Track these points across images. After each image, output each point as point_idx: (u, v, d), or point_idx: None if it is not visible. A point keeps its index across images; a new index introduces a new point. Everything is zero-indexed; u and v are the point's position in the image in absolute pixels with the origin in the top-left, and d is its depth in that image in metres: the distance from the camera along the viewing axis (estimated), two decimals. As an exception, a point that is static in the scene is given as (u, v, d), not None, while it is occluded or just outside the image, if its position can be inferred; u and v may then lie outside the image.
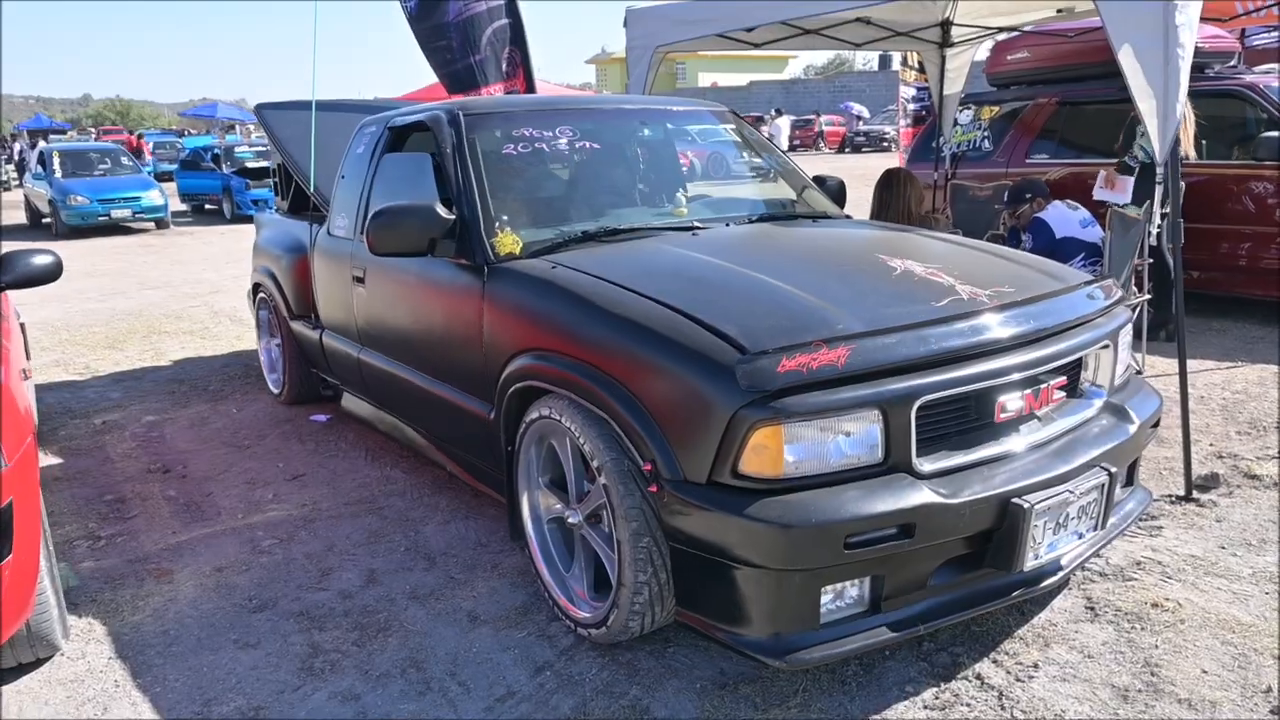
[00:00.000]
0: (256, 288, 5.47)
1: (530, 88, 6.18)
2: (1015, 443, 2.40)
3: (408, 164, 3.64)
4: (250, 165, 17.48)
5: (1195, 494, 3.52)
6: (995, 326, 2.38)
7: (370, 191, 3.89)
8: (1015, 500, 2.25)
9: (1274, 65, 7.93)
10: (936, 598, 2.32)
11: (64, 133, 42.95)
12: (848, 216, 3.76)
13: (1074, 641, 2.59)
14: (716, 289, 2.53)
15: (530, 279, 2.84)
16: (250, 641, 2.80)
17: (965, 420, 2.36)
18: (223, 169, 17.85)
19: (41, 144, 19.41)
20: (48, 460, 4.52)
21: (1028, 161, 7.25)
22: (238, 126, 28.02)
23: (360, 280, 3.88)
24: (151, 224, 15.99)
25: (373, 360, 3.90)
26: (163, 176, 23.47)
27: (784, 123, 30.98)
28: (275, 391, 5.43)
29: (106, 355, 6.95)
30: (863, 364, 2.17)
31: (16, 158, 28.51)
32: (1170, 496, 3.53)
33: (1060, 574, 2.48)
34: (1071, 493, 2.34)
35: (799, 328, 2.27)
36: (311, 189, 4.78)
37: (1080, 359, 2.62)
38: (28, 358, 3.38)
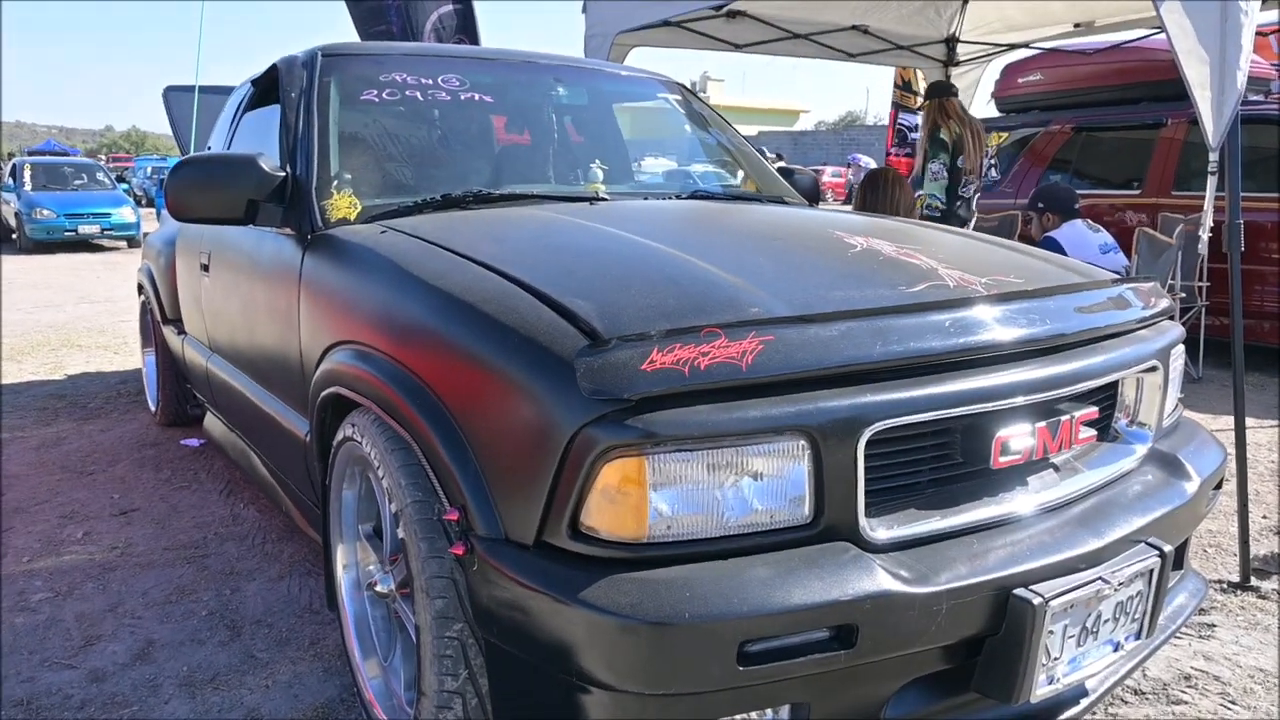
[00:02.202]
0: (140, 289, 4.71)
1: (480, 82, 5.48)
2: (1021, 502, 1.59)
3: (262, 121, 2.90)
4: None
5: (1254, 580, 2.69)
6: (993, 324, 1.58)
7: (226, 160, 3.13)
8: (1020, 592, 1.43)
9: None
10: (894, 739, 1.49)
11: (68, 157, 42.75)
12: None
13: (1103, 802, 1.75)
14: (585, 257, 1.76)
15: (350, 247, 2.06)
16: (-74, 744, 1.98)
17: (946, 464, 1.55)
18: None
19: (18, 156, 18.87)
20: None
21: (1039, 193, 6.50)
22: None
23: (206, 268, 3.12)
24: (123, 242, 15.34)
25: (218, 369, 3.12)
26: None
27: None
28: (153, 409, 4.64)
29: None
30: (784, 365, 1.37)
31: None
32: (1222, 583, 2.70)
33: (1086, 702, 1.66)
34: (1106, 582, 1.53)
35: (689, 308, 1.48)
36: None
37: (1115, 385, 1.82)
38: None
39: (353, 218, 2.23)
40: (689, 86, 3.41)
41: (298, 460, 2.35)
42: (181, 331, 3.83)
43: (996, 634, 1.45)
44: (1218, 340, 5.10)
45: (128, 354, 6.60)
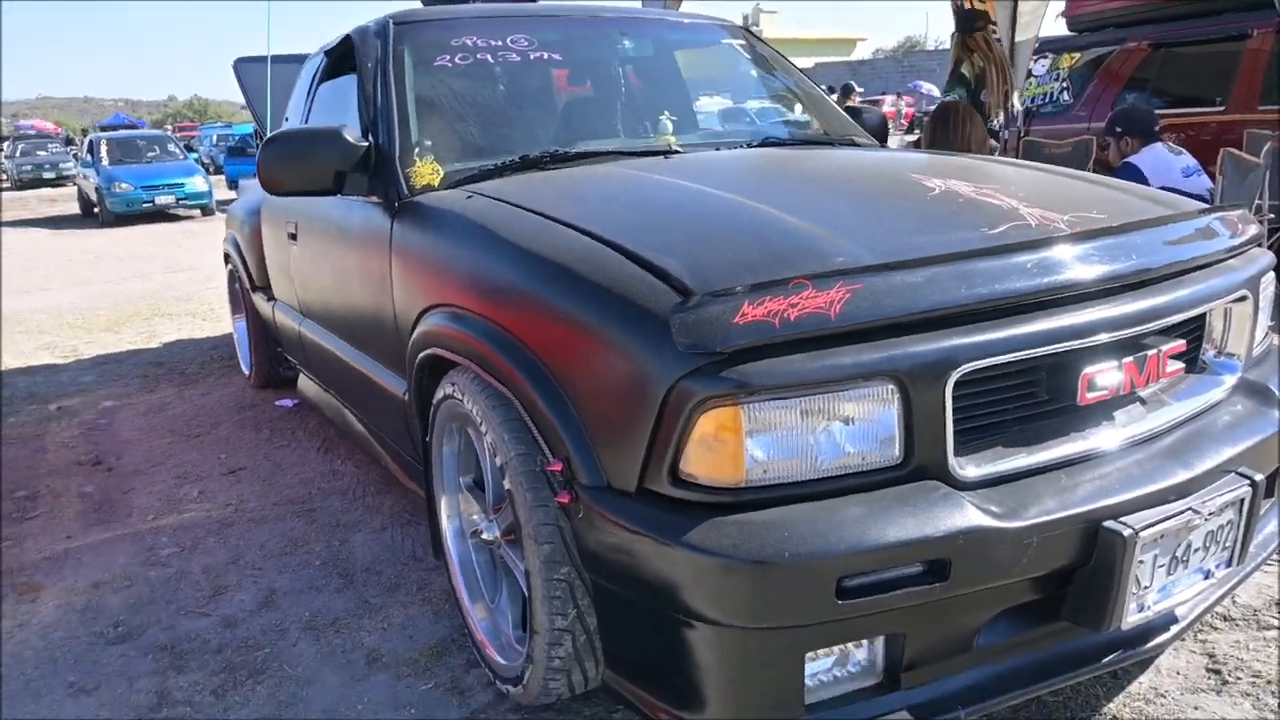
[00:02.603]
0: (226, 259, 4.90)
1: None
2: (1108, 437, 1.61)
3: (339, 91, 2.98)
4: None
5: (1349, 506, 2.64)
6: (1076, 263, 1.59)
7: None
8: (1110, 524, 1.47)
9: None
10: (986, 667, 1.55)
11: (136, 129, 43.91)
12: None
13: (1193, 724, 1.79)
14: (668, 213, 1.81)
15: (439, 214, 2.14)
16: (87, 686, 2.18)
17: (1031, 402, 1.58)
18: (269, 154, 17.61)
19: (92, 134, 19.47)
20: (-25, 449, 4.01)
21: (1115, 115, 6.28)
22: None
23: (294, 237, 3.25)
24: (197, 210, 15.80)
25: (310, 332, 3.27)
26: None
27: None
28: (246, 373, 4.87)
29: (100, 338, 6.51)
30: (871, 313, 1.42)
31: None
32: (1314, 509, 2.67)
33: (1175, 629, 1.70)
34: (1196, 512, 1.55)
35: (774, 260, 1.52)
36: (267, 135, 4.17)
37: (1203, 316, 1.81)
38: None
39: (436, 184, 2.31)
40: (744, 23, 3.39)
41: (396, 418, 2.48)
42: (271, 298, 4.00)
43: (1087, 565, 1.49)
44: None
45: (215, 320, 6.88)
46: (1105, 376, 1.58)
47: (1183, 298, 1.69)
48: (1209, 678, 1.93)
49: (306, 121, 3.26)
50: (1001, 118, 5.31)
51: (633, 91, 2.97)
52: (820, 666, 1.48)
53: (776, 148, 2.65)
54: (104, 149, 16.00)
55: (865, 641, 1.49)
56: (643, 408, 1.44)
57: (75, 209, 17.74)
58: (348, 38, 2.91)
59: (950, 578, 1.40)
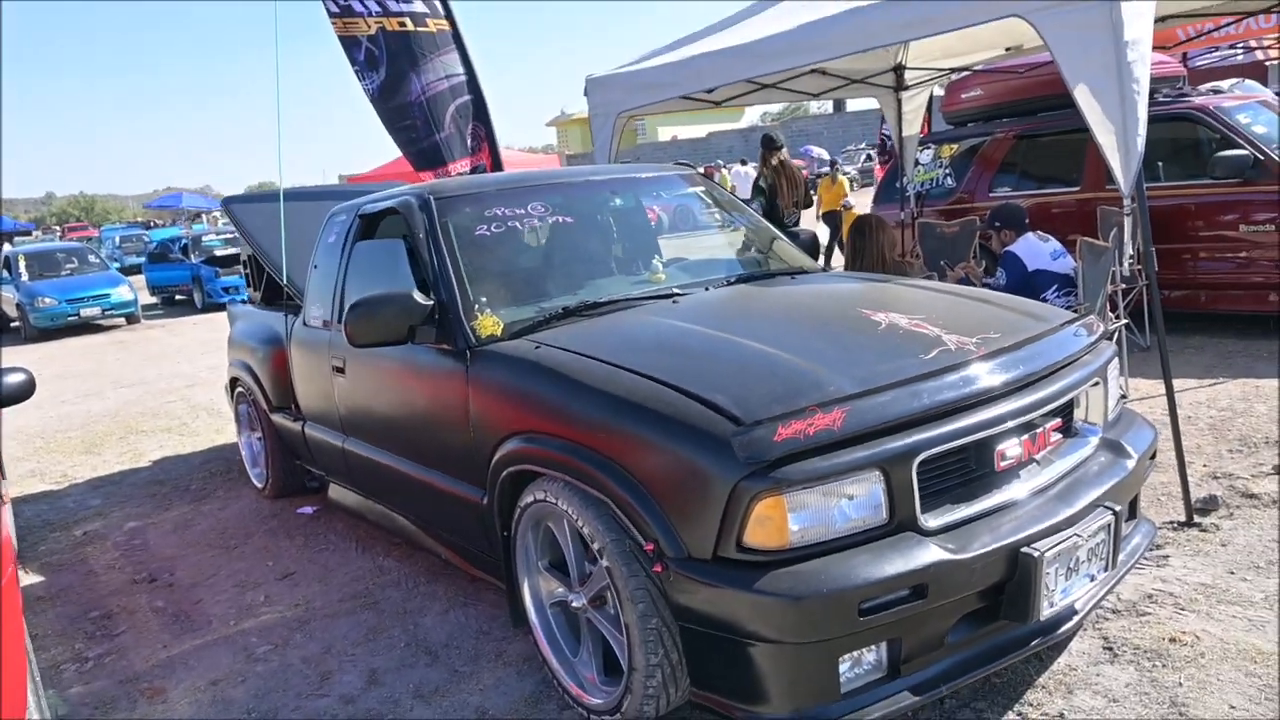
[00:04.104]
0: (234, 382, 5.40)
1: (495, 161, 6.22)
2: (1017, 489, 2.38)
3: (381, 251, 3.62)
4: (219, 254, 17.46)
5: (1196, 519, 3.50)
6: (986, 375, 2.38)
7: (345, 280, 3.87)
8: (1025, 549, 2.22)
9: (1218, 83, 8.16)
10: (955, 655, 2.27)
11: (28, 233, 42.84)
12: (825, 268, 3.77)
13: (1097, 686, 2.54)
14: (702, 358, 2.52)
15: (514, 361, 2.81)
16: (251, 759, 2.70)
17: (966, 472, 2.34)
18: (191, 259, 17.79)
19: (7, 247, 19.29)
20: (29, 579, 4.38)
21: (992, 195, 7.35)
22: (204, 215, 28.01)
23: (340, 370, 3.84)
24: (122, 319, 15.87)
25: (358, 450, 3.84)
26: (130, 270, 23.36)
27: (749, 170, 31.17)
28: (259, 486, 5.33)
29: (84, 461, 6.81)
30: (860, 425, 2.15)
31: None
32: (1172, 523, 3.51)
33: (1076, 619, 2.45)
34: (1079, 536, 2.32)
35: (791, 393, 2.25)
36: (284, 280, 4.75)
37: (1073, 398, 2.61)
38: (2, 476, 3.31)
39: (499, 334, 2.97)
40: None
41: (467, 518, 3.08)
42: (298, 418, 4.54)
43: (1013, 579, 2.23)
44: (1208, 314, 6.13)
45: (192, 435, 7.24)
46: (1012, 449, 2.35)
47: (1058, 389, 2.49)
48: (1105, 654, 2.69)
49: (344, 274, 3.87)
50: (796, 218, 7.69)
51: (623, 238, 3.71)
52: (846, 667, 2.16)
53: (748, 283, 3.42)
54: (22, 264, 15.98)
55: (875, 645, 2.18)
56: (713, 500, 2.13)
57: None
58: (390, 208, 3.57)
59: (928, 596, 2.11)
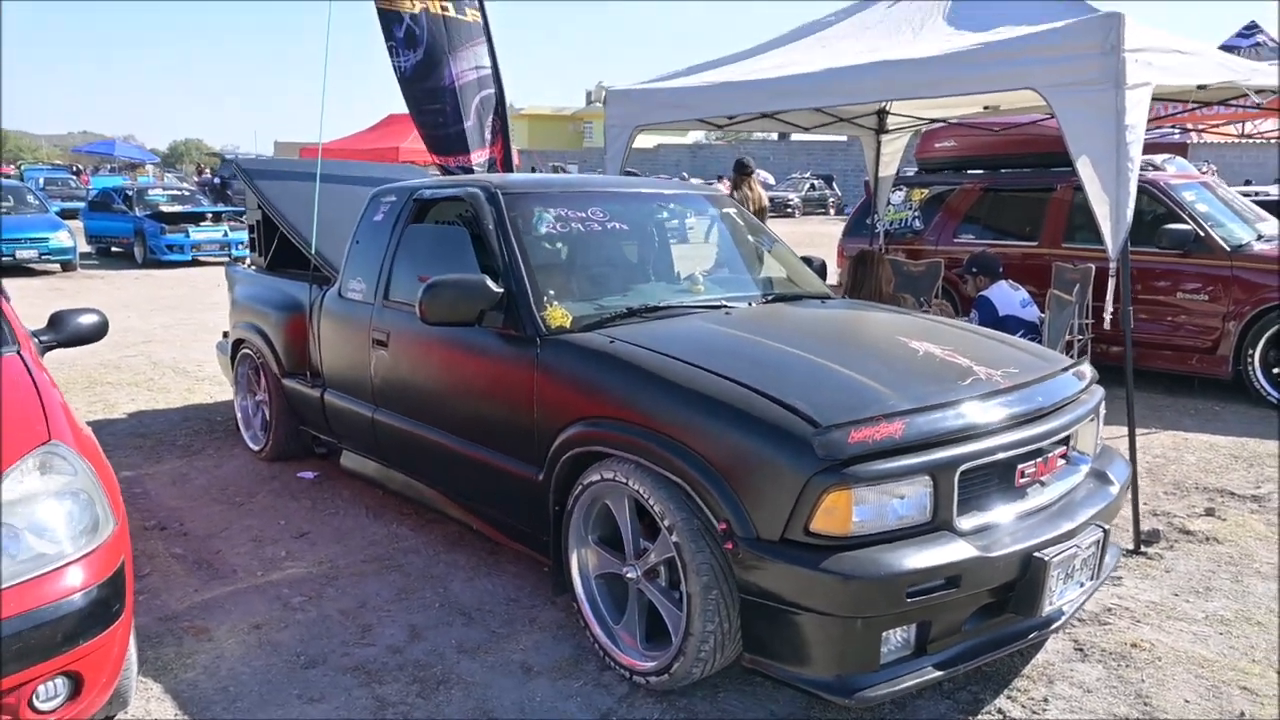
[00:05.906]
0: (239, 344, 5.50)
1: (506, 156, 6.45)
2: (1029, 504, 2.77)
3: (441, 236, 3.86)
4: (165, 209, 17.04)
5: (1143, 548, 3.99)
6: (1014, 404, 2.77)
7: (393, 260, 4.07)
8: (1037, 554, 2.61)
9: (1152, 157, 8.90)
10: (970, 640, 2.65)
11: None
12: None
13: (1072, 679, 2.95)
14: (773, 368, 2.85)
15: (589, 352, 3.09)
16: (314, 696, 2.90)
17: (991, 484, 2.72)
18: (135, 211, 17.31)
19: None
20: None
21: (955, 241, 7.92)
22: (150, 168, 27.06)
23: (382, 344, 4.04)
24: (58, 265, 15.37)
25: (390, 420, 4.04)
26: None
27: (722, 187, 31.82)
28: (254, 447, 5.43)
29: (51, 407, 6.74)
30: (916, 436, 2.52)
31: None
32: (1123, 550, 3.99)
33: (1064, 618, 2.86)
34: (1078, 547, 2.73)
35: (859, 404, 2.60)
36: (313, 254, 4.90)
37: (1074, 431, 3.03)
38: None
39: (569, 325, 3.25)
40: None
41: (515, 492, 3.34)
42: (316, 385, 4.70)
43: (1024, 578, 2.62)
44: (1115, 366, 6.62)
45: (163, 391, 7.23)
46: (1029, 469, 2.75)
47: (1066, 421, 2.90)
48: (1077, 654, 3.11)
49: (393, 254, 4.07)
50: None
51: (664, 248, 4.03)
52: (885, 642, 2.52)
53: (782, 303, 3.78)
54: (-46, 200, 15.33)
55: (909, 626, 2.54)
56: (787, 490, 2.46)
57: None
58: (453, 195, 3.80)
59: (960, 586, 2.48)
